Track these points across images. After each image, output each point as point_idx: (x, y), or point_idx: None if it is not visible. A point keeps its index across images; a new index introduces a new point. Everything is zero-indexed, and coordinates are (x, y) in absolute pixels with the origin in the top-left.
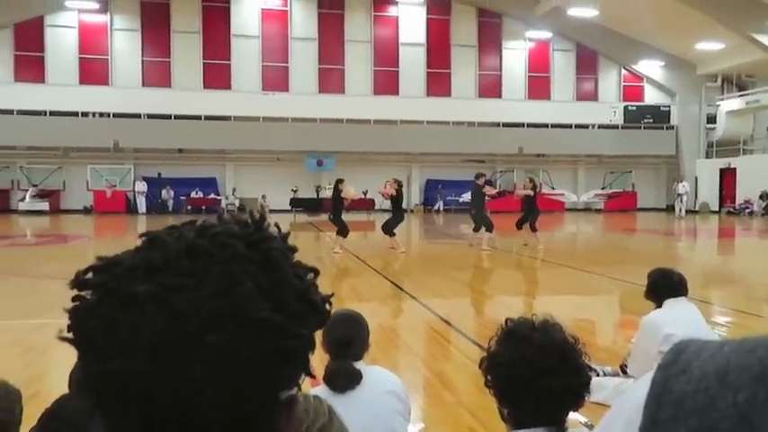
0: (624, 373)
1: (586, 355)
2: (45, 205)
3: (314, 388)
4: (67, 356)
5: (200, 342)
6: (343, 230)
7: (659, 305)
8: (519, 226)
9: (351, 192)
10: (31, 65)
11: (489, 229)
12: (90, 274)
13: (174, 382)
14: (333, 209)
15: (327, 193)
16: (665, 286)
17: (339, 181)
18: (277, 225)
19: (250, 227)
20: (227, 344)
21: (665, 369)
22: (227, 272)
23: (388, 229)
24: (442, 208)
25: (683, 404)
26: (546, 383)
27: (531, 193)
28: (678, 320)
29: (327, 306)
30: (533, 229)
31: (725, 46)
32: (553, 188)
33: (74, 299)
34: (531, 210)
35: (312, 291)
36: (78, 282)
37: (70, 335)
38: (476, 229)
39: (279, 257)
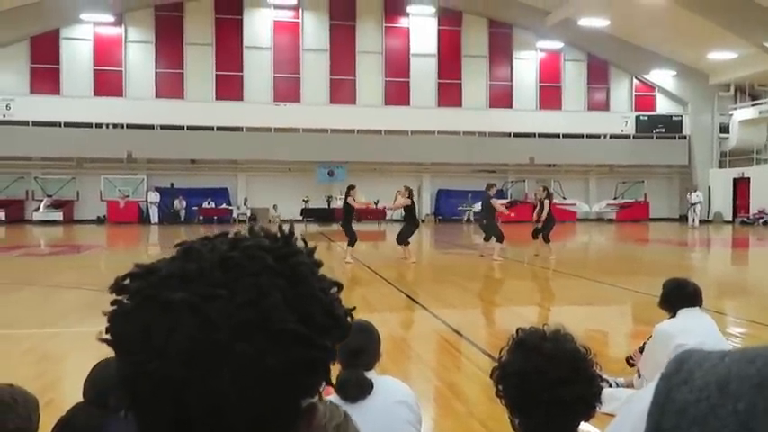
0: (630, 365)
1: (598, 365)
2: (59, 215)
3: (325, 397)
4: (82, 365)
5: (230, 350)
6: (351, 239)
7: (673, 315)
8: (535, 235)
9: (361, 200)
10: (46, 77)
11: (500, 239)
12: (128, 281)
13: (203, 387)
14: (343, 217)
15: (338, 203)
16: (679, 296)
17: (350, 188)
18: (304, 240)
19: (279, 241)
20: (254, 352)
21: (668, 379)
22: (256, 284)
23: (403, 238)
24: (472, 218)
25: (686, 413)
26: (557, 393)
27: (548, 202)
28: (691, 331)
29: (349, 319)
30: (546, 240)
31: (737, 55)
32: (565, 198)
33: (112, 303)
34: (547, 219)
35: (336, 305)
36: (117, 287)
37: (108, 336)
38: (486, 239)
39: (306, 272)
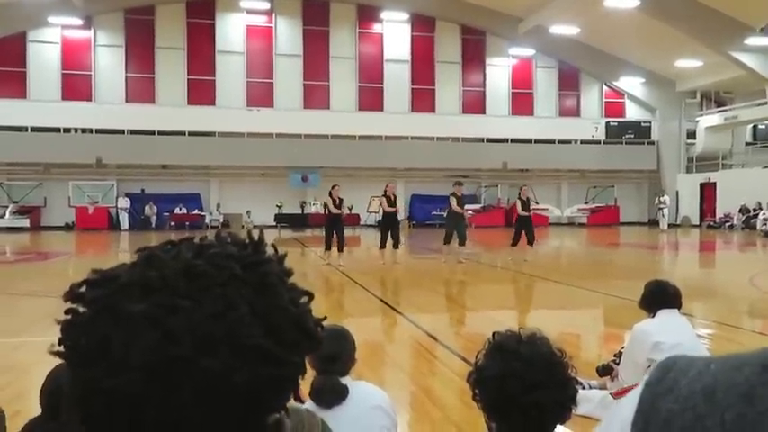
0: (600, 375)
1: (573, 368)
2: (25, 222)
3: (300, 405)
4: None
5: (194, 365)
6: (326, 242)
7: (652, 315)
8: (515, 242)
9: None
10: (12, 80)
11: (447, 241)
12: (84, 288)
13: (164, 405)
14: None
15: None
16: (659, 297)
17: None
18: (274, 246)
19: (248, 248)
20: (219, 368)
21: (652, 387)
22: (222, 295)
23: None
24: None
25: (671, 423)
26: (535, 397)
27: (535, 204)
28: (668, 330)
29: (320, 330)
30: (517, 243)
31: (703, 63)
32: (537, 203)
33: (67, 312)
34: (528, 222)
35: (307, 316)
36: (72, 295)
37: (61, 348)
38: (462, 243)
39: (275, 281)
